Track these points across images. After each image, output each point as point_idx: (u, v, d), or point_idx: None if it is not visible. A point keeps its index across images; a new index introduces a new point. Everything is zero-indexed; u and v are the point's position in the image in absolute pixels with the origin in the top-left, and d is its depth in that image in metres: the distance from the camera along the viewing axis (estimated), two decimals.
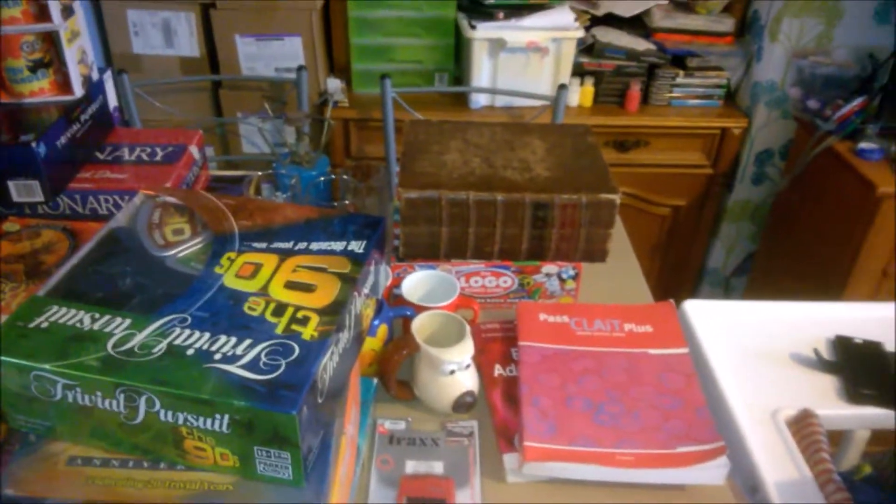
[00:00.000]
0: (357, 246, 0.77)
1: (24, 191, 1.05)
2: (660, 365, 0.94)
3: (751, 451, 0.88)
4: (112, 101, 1.28)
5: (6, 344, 0.65)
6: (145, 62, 1.94)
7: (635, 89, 1.96)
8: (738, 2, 2.00)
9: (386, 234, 0.83)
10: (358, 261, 0.75)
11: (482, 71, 1.89)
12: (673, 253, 2.23)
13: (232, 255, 0.76)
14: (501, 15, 1.84)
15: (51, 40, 1.11)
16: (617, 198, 1.02)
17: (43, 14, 1.08)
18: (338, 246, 0.77)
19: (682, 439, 0.83)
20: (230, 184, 1.35)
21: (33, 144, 1.01)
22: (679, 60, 1.99)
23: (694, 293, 2.36)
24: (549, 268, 1.08)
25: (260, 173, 1.15)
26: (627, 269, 1.23)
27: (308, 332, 0.66)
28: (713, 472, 0.81)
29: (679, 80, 1.97)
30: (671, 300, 1.05)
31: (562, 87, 1.72)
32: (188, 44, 1.91)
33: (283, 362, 0.62)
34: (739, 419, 0.92)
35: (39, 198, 1.06)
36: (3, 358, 0.63)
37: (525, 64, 1.88)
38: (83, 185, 1.12)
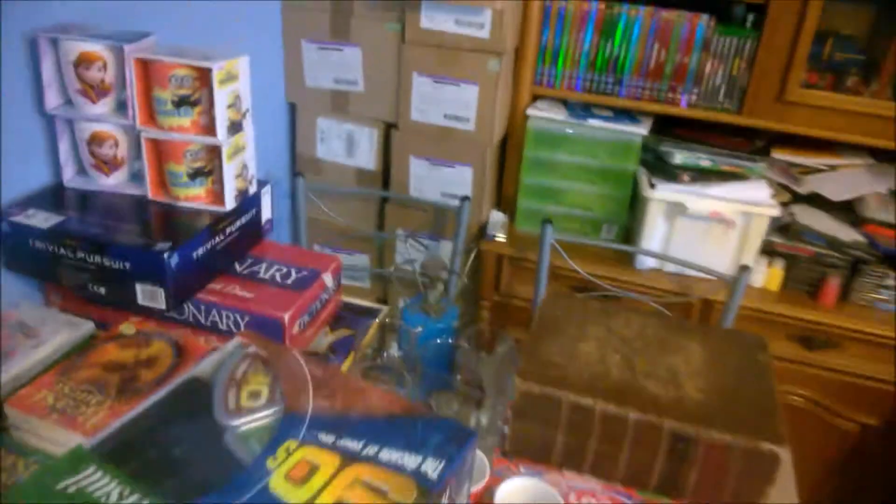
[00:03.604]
0: (433, 467, 0.64)
1: (149, 296, 1.04)
2: None
3: None
4: (266, 214, 1.29)
5: (28, 500, 0.59)
6: (325, 167, 2.00)
7: (834, 283, 1.70)
8: None
9: (473, 453, 0.70)
10: (427, 489, 0.62)
11: (655, 232, 1.74)
12: (858, 480, 1.86)
13: (293, 444, 0.66)
14: (686, 177, 1.68)
15: (215, 150, 1.13)
16: (783, 452, 0.82)
17: (211, 126, 1.10)
18: (411, 461, 0.65)
19: None
20: (358, 316, 1.28)
21: (166, 255, 1.00)
22: (892, 260, 1.70)
23: None
24: None
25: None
26: None
27: None
28: None
29: (889, 282, 1.68)
30: None
31: (744, 268, 1.51)
32: (366, 156, 1.95)
33: None
34: None
35: (162, 306, 1.05)
36: None
37: (705, 233, 1.70)
38: (210, 297, 1.10)
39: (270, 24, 1.82)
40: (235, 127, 1.13)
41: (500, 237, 1.85)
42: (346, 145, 1.96)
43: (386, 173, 1.97)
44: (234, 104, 1.11)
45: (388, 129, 1.90)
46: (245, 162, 1.19)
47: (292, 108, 1.99)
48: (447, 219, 1.90)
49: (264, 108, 1.90)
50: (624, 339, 0.99)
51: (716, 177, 1.70)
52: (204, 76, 1.07)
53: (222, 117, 1.09)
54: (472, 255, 1.54)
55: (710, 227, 1.69)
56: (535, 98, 1.88)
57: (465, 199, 1.77)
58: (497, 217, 1.89)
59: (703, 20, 1.67)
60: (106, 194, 1.18)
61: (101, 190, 1.18)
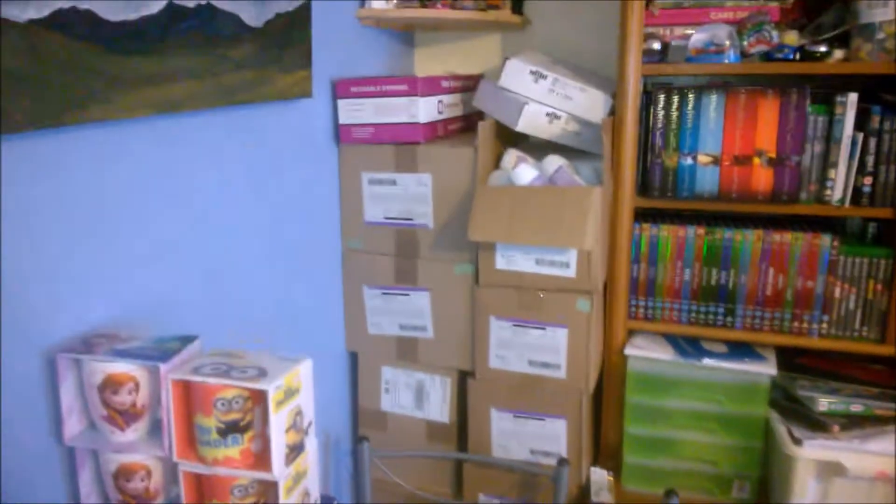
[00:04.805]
0: None
1: None
2: None
3: None
4: None
5: None
6: (391, 421, 1.75)
7: None
8: None
9: None
10: None
11: (807, 495, 1.40)
12: None
13: None
14: (837, 428, 1.37)
15: (270, 486, 0.89)
16: None
17: (265, 456, 0.87)
18: None
19: None
20: None
21: None
22: None
23: None
24: None
25: None
26: None
27: None
28: None
29: None
30: None
31: None
32: (439, 409, 1.70)
33: None
34: None
35: None
36: None
37: (869, 495, 1.36)
38: None
39: (330, 271, 1.67)
40: (296, 450, 0.90)
41: None
42: (415, 397, 1.72)
43: (462, 427, 1.71)
44: (294, 424, 0.89)
45: (464, 379, 1.66)
46: (307, 489, 0.94)
47: (353, 358, 1.78)
48: (539, 480, 1.60)
49: (323, 359, 1.70)
50: None
51: (870, 423, 1.39)
52: (257, 395, 0.86)
53: (279, 446, 0.86)
54: None
55: (874, 487, 1.35)
56: (631, 332, 1.64)
57: (563, 461, 1.48)
58: (600, 476, 1.58)
59: (825, 241, 1.44)
60: None
61: None
